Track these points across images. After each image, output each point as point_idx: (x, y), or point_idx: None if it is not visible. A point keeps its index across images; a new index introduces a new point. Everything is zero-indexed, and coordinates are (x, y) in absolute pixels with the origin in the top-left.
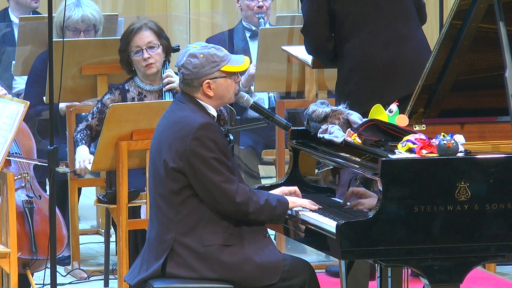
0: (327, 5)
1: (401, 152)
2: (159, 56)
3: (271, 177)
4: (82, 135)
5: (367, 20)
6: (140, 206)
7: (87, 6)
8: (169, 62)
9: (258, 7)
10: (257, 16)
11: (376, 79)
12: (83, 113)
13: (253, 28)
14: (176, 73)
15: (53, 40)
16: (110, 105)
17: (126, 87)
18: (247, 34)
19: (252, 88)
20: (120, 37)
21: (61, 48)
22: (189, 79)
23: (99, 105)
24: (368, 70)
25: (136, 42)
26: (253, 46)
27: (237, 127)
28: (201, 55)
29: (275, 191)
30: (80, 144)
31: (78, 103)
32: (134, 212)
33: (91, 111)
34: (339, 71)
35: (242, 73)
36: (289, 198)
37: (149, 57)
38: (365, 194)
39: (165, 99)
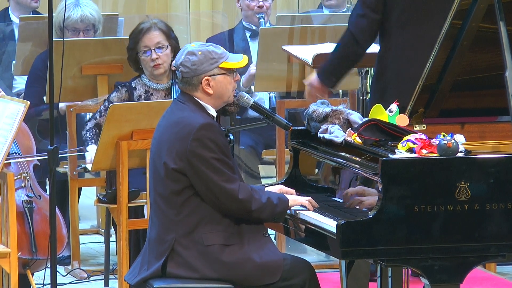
0: None
1: (401, 152)
2: (167, 56)
3: (271, 177)
4: (91, 133)
5: (412, 21)
6: (144, 205)
7: (86, 5)
8: None
9: (259, 7)
10: (257, 16)
11: (407, 82)
12: (82, 113)
13: (254, 28)
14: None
15: (53, 40)
16: (110, 105)
17: (133, 85)
18: (247, 34)
19: (253, 88)
20: (119, 37)
21: (61, 48)
22: (188, 77)
23: (106, 104)
24: (401, 72)
25: (144, 42)
26: (253, 46)
27: (237, 127)
28: (199, 52)
29: (273, 188)
30: (90, 143)
31: (79, 103)
32: (136, 212)
33: (99, 110)
34: (377, 62)
35: (241, 72)
36: (289, 197)
37: (157, 58)
38: (365, 193)
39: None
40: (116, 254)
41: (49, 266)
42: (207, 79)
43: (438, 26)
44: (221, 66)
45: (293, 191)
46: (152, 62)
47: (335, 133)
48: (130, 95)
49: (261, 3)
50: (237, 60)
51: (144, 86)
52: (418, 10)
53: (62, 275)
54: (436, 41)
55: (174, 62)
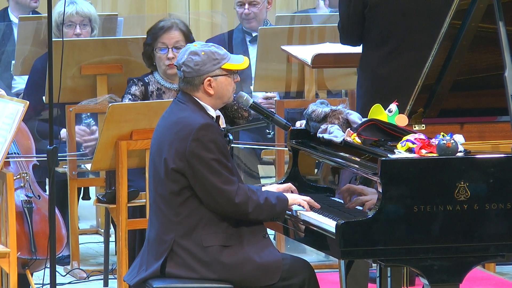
0: (362, 10)
1: (400, 152)
2: None
3: (271, 177)
4: None
5: (392, 38)
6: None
7: (81, 3)
8: None
9: (245, 14)
10: (264, 22)
11: (384, 97)
12: (83, 114)
13: (254, 34)
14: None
15: (53, 40)
16: (110, 104)
17: (146, 80)
18: (248, 38)
19: (252, 87)
20: (119, 37)
21: (61, 48)
22: (190, 77)
23: (130, 97)
24: (378, 86)
25: (163, 39)
26: (252, 50)
27: (237, 127)
28: (202, 53)
29: (270, 188)
30: None
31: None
32: (134, 212)
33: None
34: (358, 70)
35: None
36: (288, 195)
37: (173, 57)
38: (363, 192)
39: None
40: (116, 254)
41: (48, 266)
42: (209, 80)
43: (413, 49)
44: (223, 67)
45: (290, 185)
46: (168, 60)
47: (335, 133)
48: (146, 89)
49: (246, 11)
50: (238, 62)
51: (157, 84)
52: (397, 30)
53: (62, 275)
54: (414, 61)
55: (175, 61)
